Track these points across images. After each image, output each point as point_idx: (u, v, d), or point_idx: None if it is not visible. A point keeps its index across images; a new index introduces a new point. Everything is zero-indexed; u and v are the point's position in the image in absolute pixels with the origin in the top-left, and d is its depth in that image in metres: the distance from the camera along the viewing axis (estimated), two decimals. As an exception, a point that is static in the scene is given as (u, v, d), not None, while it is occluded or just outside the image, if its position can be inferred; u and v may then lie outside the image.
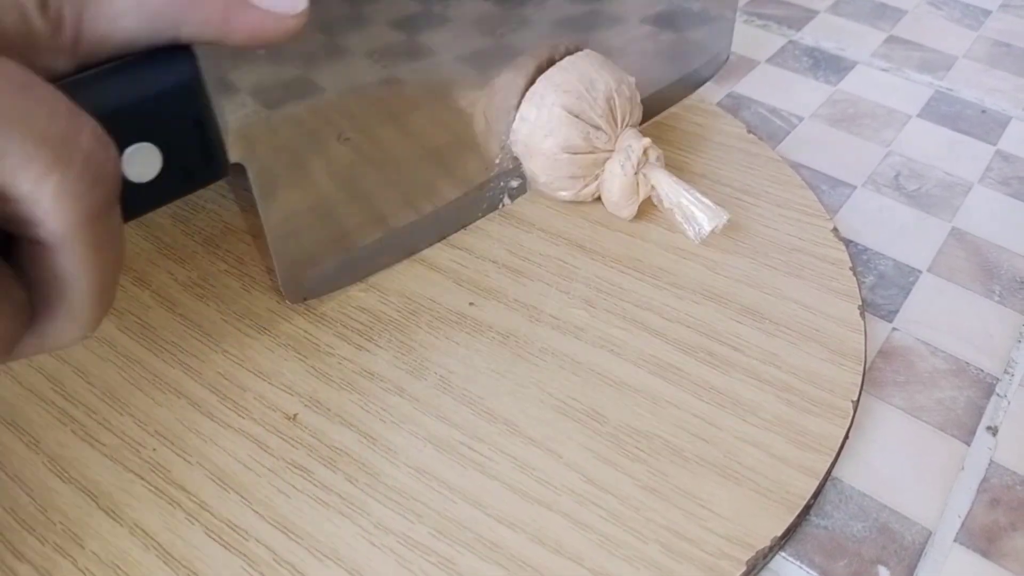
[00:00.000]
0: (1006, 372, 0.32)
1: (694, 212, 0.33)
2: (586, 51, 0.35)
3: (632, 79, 0.35)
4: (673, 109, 0.42)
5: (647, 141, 0.34)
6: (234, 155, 0.26)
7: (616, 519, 0.26)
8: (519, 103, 0.34)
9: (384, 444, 0.27)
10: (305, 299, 0.32)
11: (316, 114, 0.29)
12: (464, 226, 0.35)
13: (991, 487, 0.29)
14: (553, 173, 0.34)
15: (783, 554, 0.27)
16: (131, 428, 0.28)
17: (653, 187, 0.34)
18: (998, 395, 0.31)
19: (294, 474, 0.26)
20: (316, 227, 0.31)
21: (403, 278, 0.33)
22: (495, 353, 0.30)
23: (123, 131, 0.22)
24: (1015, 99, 0.47)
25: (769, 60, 0.50)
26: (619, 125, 0.34)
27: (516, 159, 0.35)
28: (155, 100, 0.22)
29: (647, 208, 0.36)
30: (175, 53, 0.23)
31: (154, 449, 0.27)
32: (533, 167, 0.35)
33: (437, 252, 0.34)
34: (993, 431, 0.30)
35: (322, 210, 0.31)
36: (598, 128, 0.34)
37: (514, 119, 0.34)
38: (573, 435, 0.28)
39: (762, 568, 0.26)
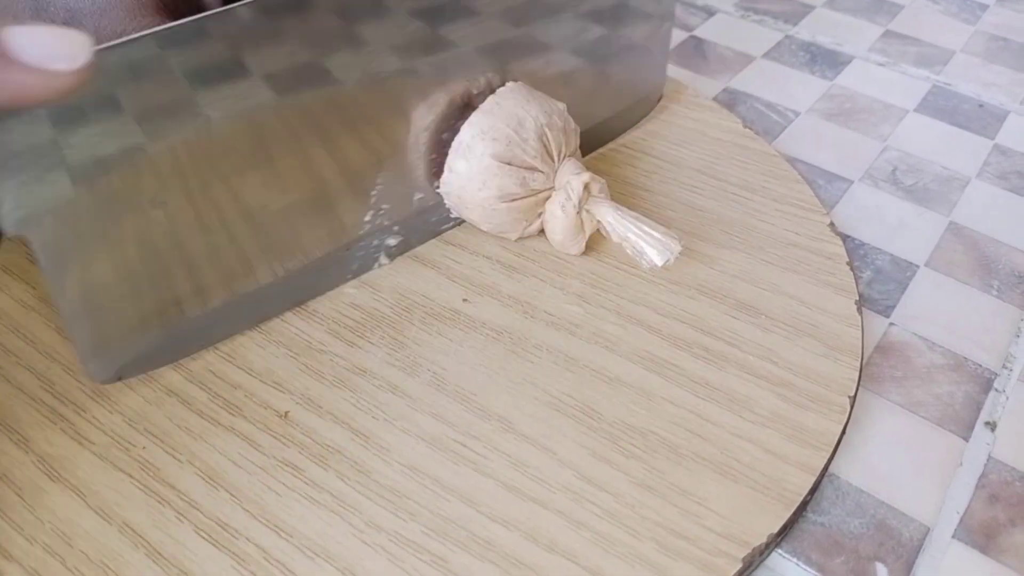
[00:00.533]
0: (1004, 367, 0.32)
1: (643, 247, 0.31)
2: (510, 84, 0.32)
3: (563, 106, 0.33)
4: (669, 104, 0.42)
5: (587, 176, 0.32)
6: (9, 227, 0.22)
7: (611, 517, 0.25)
8: (432, 141, 0.32)
9: (376, 442, 0.27)
10: (120, 379, 0.28)
11: (121, 177, 0.25)
12: (326, 291, 0.32)
13: (989, 483, 0.28)
14: (494, 221, 0.32)
15: (780, 551, 0.26)
16: (121, 427, 0.27)
17: (599, 221, 0.32)
18: (996, 390, 0.31)
19: (285, 472, 0.26)
20: (125, 302, 0.27)
21: (396, 274, 0.33)
22: (489, 350, 0.30)
23: None
24: (1012, 93, 0.47)
25: (766, 55, 0.49)
26: (556, 159, 0.32)
27: (390, 214, 0.32)
28: None
29: (640, 207, 0.36)
30: None
31: (144, 448, 0.27)
32: (472, 217, 0.33)
33: (430, 248, 0.34)
34: (991, 426, 0.30)
35: (133, 283, 0.27)
36: (533, 169, 0.31)
37: (430, 160, 0.32)
38: (568, 432, 0.28)
39: (759, 565, 0.26)
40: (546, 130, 0.32)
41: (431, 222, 0.34)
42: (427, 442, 0.27)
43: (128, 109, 0.24)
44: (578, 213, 0.32)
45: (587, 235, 0.33)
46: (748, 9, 0.54)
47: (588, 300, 0.32)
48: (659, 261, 0.31)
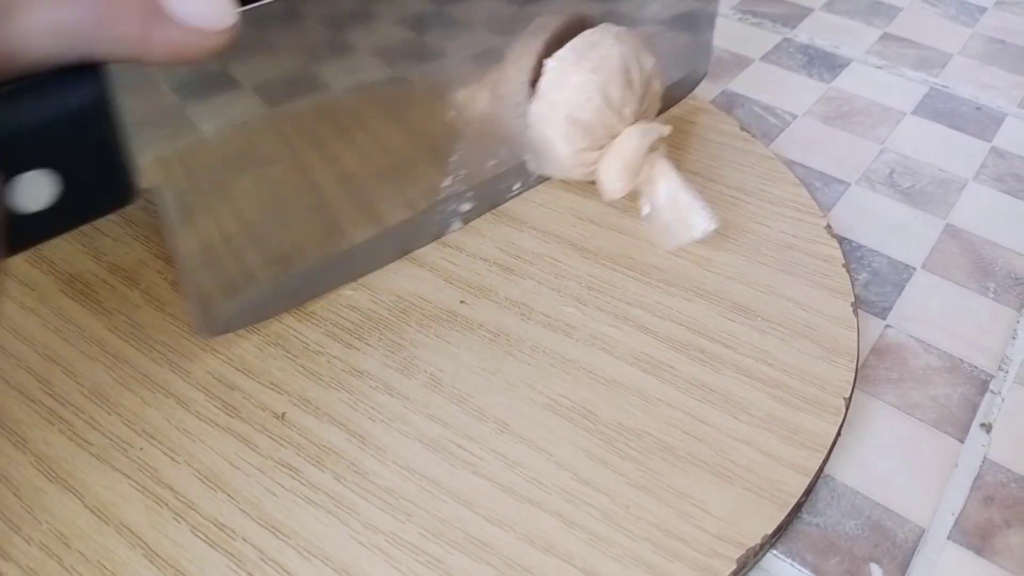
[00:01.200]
0: (1000, 369, 0.32)
1: (689, 213, 0.32)
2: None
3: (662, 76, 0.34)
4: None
5: (669, 128, 0.33)
6: (146, 180, 0.24)
7: (607, 518, 0.25)
8: (533, 77, 0.33)
9: (373, 443, 0.27)
10: (220, 334, 0.30)
11: (240, 136, 0.27)
12: (407, 253, 0.34)
13: (985, 484, 0.28)
14: (572, 136, 0.33)
15: (775, 552, 0.26)
16: (119, 427, 0.27)
17: (652, 179, 0.33)
18: (992, 392, 0.31)
19: (282, 473, 0.26)
20: (236, 257, 0.29)
21: (393, 276, 0.33)
22: (486, 351, 0.30)
23: (20, 157, 0.20)
24: (1010, 96, 0.47)
25: (763, 58, 0.49)
26: (643, 107, 0.34)
27: (467, 179, 0.34)
28: (57, 124, 0.21)
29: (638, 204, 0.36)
30: (82, 72, 0.21)
31: (141, 448, 0.27)
32: (559, 99, 0.32)
33: (428, 250, 0.34)
34: (987, 428, 0.30)
35: (243, 239, 0.29)
36: (632, 93, 0.32)
37: (527, 93, 0.33)
38: (564, 434, 0.28)
39: (753, 566, 0.26)
40: (653, 77, 0.33)
41: (499, 189, 0.36)
42: (424, 443, 0.27)
43: (247, 77, 0.26)
44: (645, 152, 0.33)
45: (637, 181, 0.33)
46: (746, 12, 0.54)
47: (585, 302, 0.32)
48: (699, 229, 0.32)
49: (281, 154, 0.28)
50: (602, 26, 0.33)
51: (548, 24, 0.33)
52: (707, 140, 0.40)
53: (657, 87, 0.34)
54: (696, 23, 0.41)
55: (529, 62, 0.33)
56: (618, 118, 0.33)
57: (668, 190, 0.33)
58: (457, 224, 0.35)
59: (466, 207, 0.35)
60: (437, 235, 0.34)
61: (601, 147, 0.33)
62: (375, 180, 0.32)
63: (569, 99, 0.32)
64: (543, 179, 0.37)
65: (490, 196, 0.36)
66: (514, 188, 0.36)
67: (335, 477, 0.26)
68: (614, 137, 0.33)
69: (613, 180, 0.33)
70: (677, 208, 0.33)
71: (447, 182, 0.33)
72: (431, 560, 0.24)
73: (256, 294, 0.30)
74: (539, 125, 0.34)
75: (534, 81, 0.33)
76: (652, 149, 0.33)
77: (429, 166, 0.33)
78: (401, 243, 0.33)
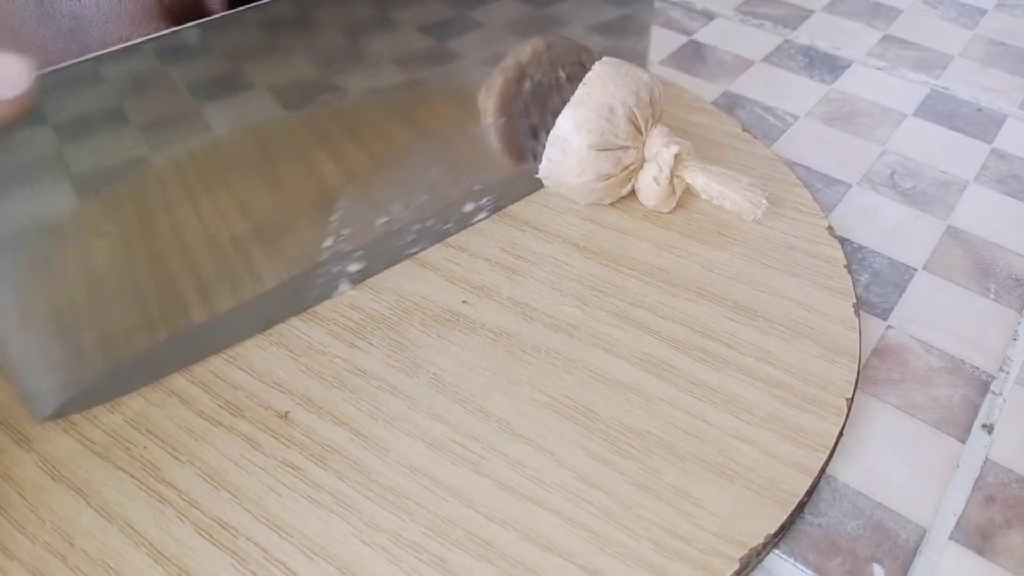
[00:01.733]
0: (1001, 370, 0.32)
1: (735, 208, 0.35)
2: (596, 67, 0.34)
3: (646, 76, 0.35)
4: (668, 108, 0.42)
5: (675, 148, 0.34)
6: None
7: (608, 517, 0.26)
8: (494, 117, 0.34)
9: (376, 442, 0.27)
10: (59, 416, 0.28)
11: (62, 207, 0.24)
12: (286, 318, 0.31)
13: (986, 485, 0.28)
14: (591, 197, 0.35)
15: (777, 552, 0.26)
16: (122, 426, 0.28)
17: (689, 185, 0.35)
18: (993, 393, 0.31)
19: (285, 472, 0.26)
20: (68, 335, 0.26)
21: (396, 276, 0.33)
22: (488, 351, 0.30)
23: None
24: (1011, 98, 0.47)
25: (765, 59, 0.50)
26: (645, 131, 0.34)
27: (352, 239, 0.32)
28: None
29: (640, 207, 0.36)
30: None
31: (145, 447, 0.27)
32: (569, 195, 0.36)
33: (430, 250, 0.34)
34: (988, 429, 0.30)
35: (76, 316, 0.26)
36: (626, 148, 0.34)
37: (508, 139, 0.34)
38: (565, 433, 0.28)
39: (755, 566, 0.26)
40: (634, 110, 0.34)
41: (397, 246, 0.33)
42: (426, 443, 0.27)
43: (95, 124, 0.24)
44: (670, 182, 0.35)
45: (678, 196, 0.36)
46: (747, 13, 0.54)
47: (586, 302, 0.32)
48: (749, 218, 0.35)
49: (116, 222, 0.25)
50: (563, 115, 0.33)
51: (493, 86, 0.33)
52: (708, 141, 0.40)
53: (645, 104, 0.34)
54: (629, 31, 0.39)
55: (497, 88, 0.33)
56: (628, 169, 0.34)
57: (709, 194, 0.35)
58: (345, 286, 0.32)
59: (354, 268, 0.32)
60: (320, 299, 0.32)
61: (630, 181, 0.35)
62: (244, 241, 0.29)
63: (580, 195, 0.35)
64: (447, 235, 0.35)
65: (385, 254, 0.33)
66: (417, 242, 0.34)
67: (338, 476, 0.26)
68: (638, 168, 0.35)
69: (659, 209, 0.36)
70: (724, 202, 0.35)
71: (328, 243, 0.31)
72: (433, 559, 0.24)
73: (93, 376, 0.28)
74: (553, 164, 0.35)
75: (503, 105, 0.34)
76: (676, 167, 0.34)
77: (307, 226, 0.30)
78: (272, 311, 0.31)
